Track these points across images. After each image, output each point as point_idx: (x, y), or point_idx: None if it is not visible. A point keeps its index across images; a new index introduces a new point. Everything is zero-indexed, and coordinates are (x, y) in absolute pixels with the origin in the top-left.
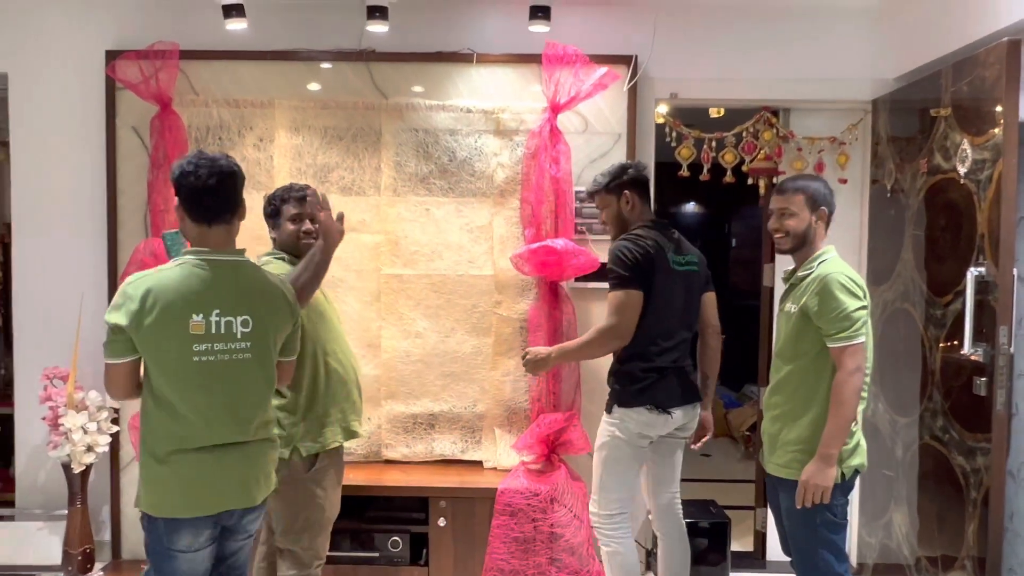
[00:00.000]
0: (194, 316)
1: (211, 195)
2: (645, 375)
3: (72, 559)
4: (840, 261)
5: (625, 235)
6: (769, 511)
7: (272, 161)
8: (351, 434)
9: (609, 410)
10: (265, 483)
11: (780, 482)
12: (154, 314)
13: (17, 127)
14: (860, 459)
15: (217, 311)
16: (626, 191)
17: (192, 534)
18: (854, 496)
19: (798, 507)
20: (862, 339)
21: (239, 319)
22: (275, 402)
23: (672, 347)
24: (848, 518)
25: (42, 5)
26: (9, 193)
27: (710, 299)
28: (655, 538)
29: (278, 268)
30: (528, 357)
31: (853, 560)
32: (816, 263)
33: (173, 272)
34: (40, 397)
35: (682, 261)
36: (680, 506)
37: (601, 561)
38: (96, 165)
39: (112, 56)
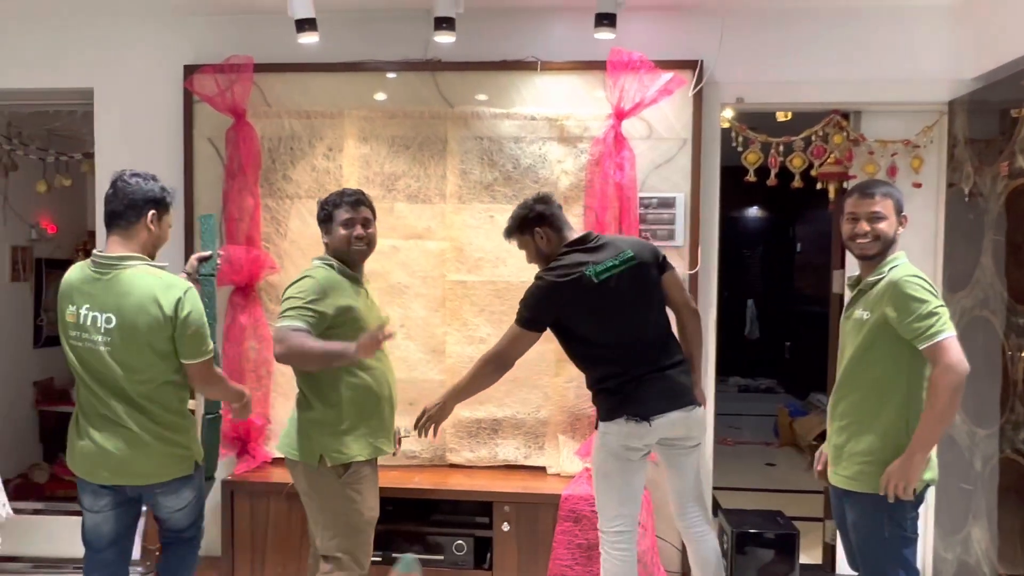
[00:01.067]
0: (70, 307)
1: (109, 206)
2: (621, 387)
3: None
4: (911, 266)
5: (542, 270)
6: (826, 522)
7: (341, 170)
8: (378, 451)
9: (596, 426)
10: (154, 469)
11: (846, 494)
12: (57, 300)
13: (102, 139)
14: (932, 473)
15: (87, 305)
16: (536, 228)
17: (91, 495)
18: (928, 510)
19: (880, 492)
20: (951, 333)
21: (103, 315)
22: (308, 414)
23: (643, 351)
24: (919, 531)
25: (125, 23)
26: (91, 202)
27: (670, 279)
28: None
29: (323, 275)
30: (427, 413)
31: None
32: (887, 268)
33: (75, 267)
34: None
35: (610, 266)
36: (703, 520)
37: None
38: (174, 175)
39: (190, 70)
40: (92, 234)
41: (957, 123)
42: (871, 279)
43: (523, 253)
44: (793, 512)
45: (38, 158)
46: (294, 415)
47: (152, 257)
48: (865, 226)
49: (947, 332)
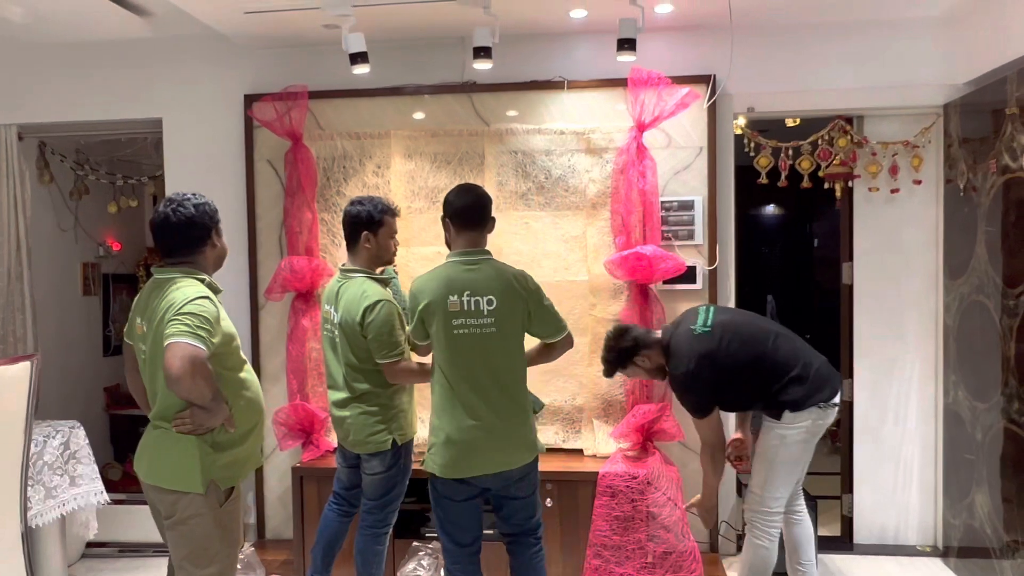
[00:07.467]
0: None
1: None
2: (801, 379)
3: None
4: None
5: (672, 370)
6: (844, 496)
7: (389, 185)
8: (257, 464)
9: (779, 416)
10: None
11: None
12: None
13: (170, 163)
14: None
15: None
16: (635, 357)
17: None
18: (937, 480)
19: None
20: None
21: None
22: (202, 436)
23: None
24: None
25: (190, 58)
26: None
27: None
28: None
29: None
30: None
31: (939, 543)
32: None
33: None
34: None
35: (705, 316)
36: (804, 503)
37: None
38: (237, 194)
39: (250, 99)
40: (151, 251)
41: (952, 124)
42: None
43: (557, 255)
44: (814, 492)
45: (108, 182)
46: (159, 438)
47: None
48: None
49: None
